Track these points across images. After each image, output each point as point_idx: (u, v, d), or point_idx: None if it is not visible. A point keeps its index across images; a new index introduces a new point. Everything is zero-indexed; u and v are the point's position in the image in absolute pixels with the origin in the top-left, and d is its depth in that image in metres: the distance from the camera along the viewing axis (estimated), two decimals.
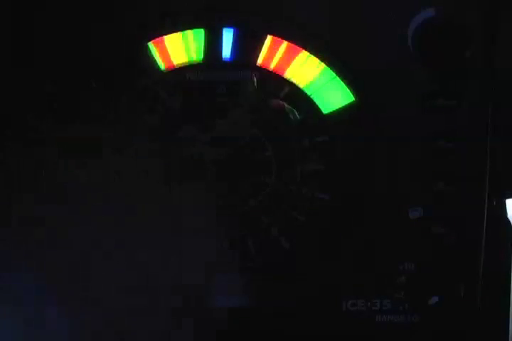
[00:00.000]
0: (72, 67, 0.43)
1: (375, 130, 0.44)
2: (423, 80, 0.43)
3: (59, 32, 0.43)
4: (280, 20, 0.43)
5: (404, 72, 0.43)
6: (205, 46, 0.44)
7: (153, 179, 0.44)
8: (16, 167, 0.43)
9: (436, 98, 0.43)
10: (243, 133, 0.44)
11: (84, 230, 0.42)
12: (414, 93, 0.43)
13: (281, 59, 0.44)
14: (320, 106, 0.44)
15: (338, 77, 0.44)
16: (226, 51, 0.44)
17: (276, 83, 0.44)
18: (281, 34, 0.43)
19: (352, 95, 0.44)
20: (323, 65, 0.44)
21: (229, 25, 0.43)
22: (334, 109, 0.44)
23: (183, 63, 0.44)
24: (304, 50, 0.43)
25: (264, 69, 0.44)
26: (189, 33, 0.44)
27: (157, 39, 0.44)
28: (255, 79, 0.44)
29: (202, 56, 0.44)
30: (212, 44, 0.44)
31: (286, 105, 0.44)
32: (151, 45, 0.44)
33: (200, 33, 0.44)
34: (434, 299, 0.44)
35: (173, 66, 0.44)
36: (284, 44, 0.43)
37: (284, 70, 0.44)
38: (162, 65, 0.44)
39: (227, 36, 0.43)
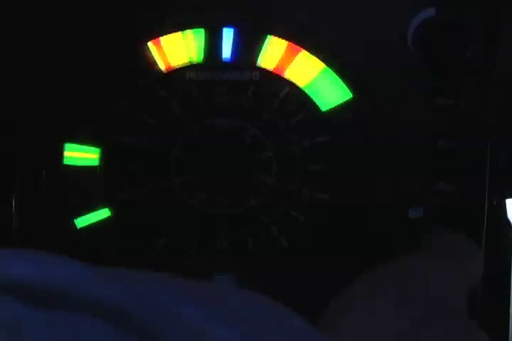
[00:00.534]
0: (72, 67, 0.43)
1: (374, 130, 0.44)
2: (423, 80, 0.43)
3: (58, 32, 0.43)
4: (280, 20, 0.43)
5: (405, 71, 0.43)
6: (205, 46, 0.44)
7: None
8: None
9: (437, 98, 0.43)
10: (243, 133, 0.44)
11: None
12: (415, 93, 0.43)
13: (281, 59, 0.44)
14: (319, 105, 0.44)
15: (337, 77, 0.44)
16: (226, 51, 0.44)
17: (276, 83, 0.44)
18: (281, 34, 0.43)
19: (350, 92, 0.44)
20: (322, 65, 0.44)
21: (229, 25, 0.43)
22: (332, 106, 0.44)
23: (183, 63, 0.44)
24: (304, 50, 0.43)
25: (264, 69, 0.44)
26: (189, 33, 0.44)
27: (157, 39, 0.44)
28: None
29: (202, 56, 0.44)
30: (212, 44, 0.44)
31: None
32: (151, 45, 0.44)
33: (200, 32, 0.44)
34: None
35: (173, 66, 0.44)
36: (284, 44, 0.43)
37: (284, 70, 0.44)
38: (162, 65, 0.44)
39: (227, 36, 0.43)
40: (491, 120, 0.43)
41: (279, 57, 0.44)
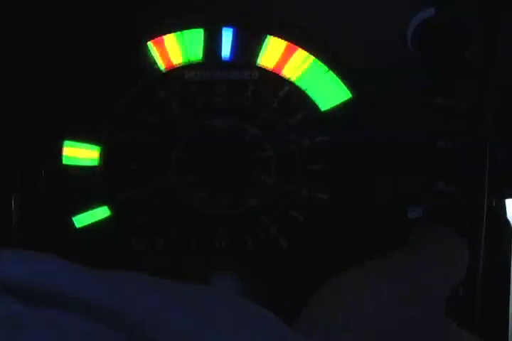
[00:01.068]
0: (72, 67, 0.43)
1: (374, 130, 0.44)
2: (423, 80, 0.43)
3: (58, 32, 0.43)
4: (279, 20, 0.43)
5: (404, 71, 0.43)
6: (204, 46, 0.44)
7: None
8: None
9: (436, 98, 0.43)
10: (242, 133, 0.44)
11: None
12: (414, 93, 0.43)
13: (280, 58, 0.44)
14: (318, 104, 0.44)
15: (336, 77, 0.44)
16: (225, 51, 0.44)
17: (275, 83, 0.44)
18: (280, 34, 0.43)
19: (349, 92, 0.44)
20: (322, 65, 0.44)
21: (228, 25, 0.43)
22: (332, 106, 0.44)
23: (182, 63, 0.44)
24: (302, 50, 0.43)
25: (263, 68, 0.44)
26: (188, 32, 0.44)
27: (156, 39, 0.44)
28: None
29: (201, 56, 0.44)
30: (212, 44, 0.44)
31: None
32: (150, 44, 0.44)
33: (199, 32, 0.44)
34: None
35: (173, 66, 0.44)
36: (283, 44, 0.43)
37: (283, 70, 0.44)
38: (161, 65, 0.44)
39: (227, 36, 0.43)
40: (490, 120, 0.43)
41: (278, 57, 0.44)
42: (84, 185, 0.44)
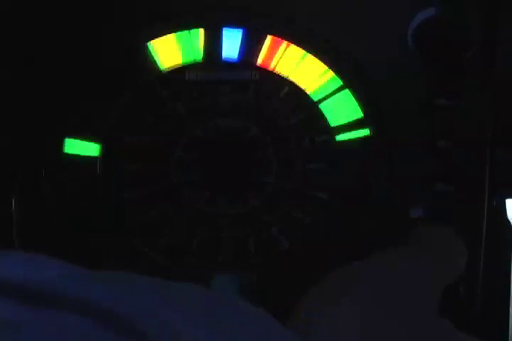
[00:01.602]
0: (73, 67, 0.43)
1: (374, 129, 0.44)
2: (423, 80, 0.43)
3: (59, 32, 0.43)
4: (279, 20, 0.43)
5: (404, 71, 0.43)
6: (204, 46, 0.44)
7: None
8: None
9: (436, 98, 0.43)
10: (244, 133, 0.44)
11: None
12: (414, 93, 0.43)
13: (281, 59, 0.44)
14: (321, 107, 0.44)
15: (336, 76, 0.44)
16: (226, 51, 0.44)
17: (276, 83, 0.44)
18: (281, 34, 0.43)
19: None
20: (321, 65, 0.44)
21: (229, 25, 0.43)
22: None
23: (182, 63, 0.44)
24: (303, 50, 0.44)
25: (264, 68, 0.44)
26: (189, 32, 0.44)
27: (157, 39, 0.44)
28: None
29: (201, 56, 0.44)
30: (212, 44, 0.44)
31: None
32: (150, 45, 0.44)
33: (200, 32, 0.44)
34: None
35: (173, 66, 0.44)
36: (284, 44, 0.44)
37: (283, 70, 0.44)
38: (162, 65, 0.44)
39: (227, 36, 0.43)
40: (490, 120, 0.43)
41: (279, 57, 0.44)
42: (86, 185, 0.44)
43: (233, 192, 0.45)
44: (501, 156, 0.43)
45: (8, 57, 0.43)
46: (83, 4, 0.43)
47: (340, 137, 0.44)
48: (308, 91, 0.44)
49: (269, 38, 0.43)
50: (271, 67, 0.44)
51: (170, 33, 0.44)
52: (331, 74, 0.44)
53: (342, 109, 0.44)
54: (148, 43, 0.44)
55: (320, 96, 0.44)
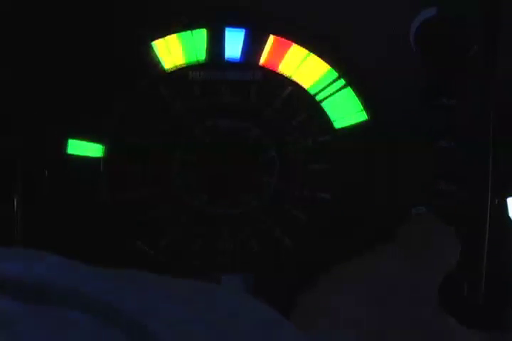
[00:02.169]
0: (75, 67, 0.43)
1: (375, 130, 0.44)
2: (424, 79, 0.43)
3: (61, 33, 0.43)
4: (282, 20, 0.43)
5: (405, 71, 0.43)
6: (207, 46, 0.44)
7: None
8: None
9: (438, 97, 0.43)
10: (245, 133, 0.44)
11: None
12: (416, 92, 0.43)
13: (284, 59, 0.44)
14: (323, 106, 0.44)
15: (337, 74, 0.44)
16: (228, 51, 0.44)
17: (278, 83, 0.44)
18: (283, 34, 0.44)
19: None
20: (323, 64, 0.44)
21: (231, 25, 0.44)
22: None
23: (186, 63, 0.44)
24: (305, 50, 0.44)
25: (267, 69, 0.44)
26: (192, 32, 0.44)
27: (160, 39, 0.44)
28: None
29: (204, 56, 0.44)
30: (215, 44, 0.44)
31: None
32: (154, 44, 0.44)
33: (203, 32, 0.44)
34: None
35: (176, 66, 0.44)
36: (286, 44, 0.44)
37: (286, 70, 0.44)
38: (165, 65, 0.44)
39: (230, 36, 0.44)
40: (492, 119, 0.43)
41: (282, 57, 0.44)
42: (87, 185, 0.44)
43: (235, 192, 0.45)
44: (503, 155, 0.43)
45: (9, 57, 0.43)
46: (87, 5, 0.43)
47: (341, 137, 0.44)
48: (310, 92, 0.44)
49: (271, 38, 0.44)
50: (273, 67, 0.44)
51: (173, 33, 0.44)
52: (333, 73, 0.44)
53: (344, 109, 0.44)
54: (152, 43, 0.44)
55: (322, 96, 0.44)
